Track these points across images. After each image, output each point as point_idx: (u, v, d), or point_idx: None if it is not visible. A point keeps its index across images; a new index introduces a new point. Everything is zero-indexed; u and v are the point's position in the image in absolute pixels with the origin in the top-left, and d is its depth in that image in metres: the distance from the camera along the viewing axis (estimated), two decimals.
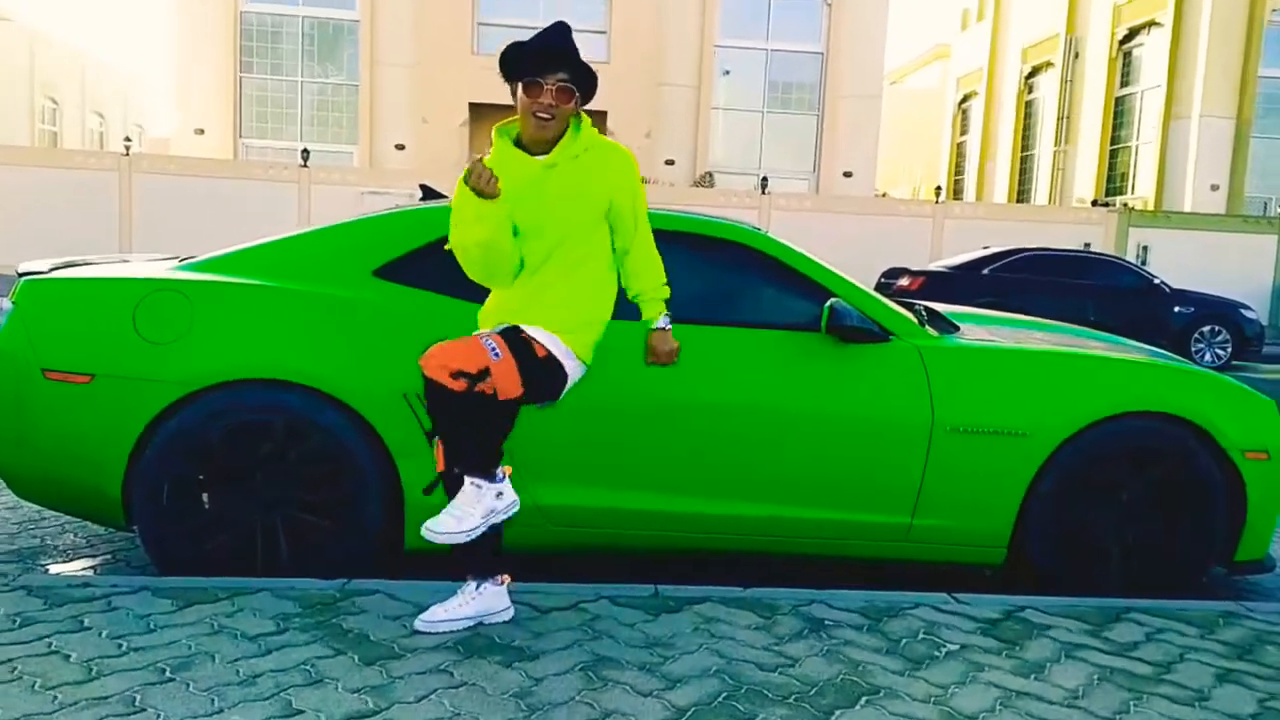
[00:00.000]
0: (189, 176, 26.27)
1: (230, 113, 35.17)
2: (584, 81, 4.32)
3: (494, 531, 4.34)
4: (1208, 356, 19.71)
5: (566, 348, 4.36)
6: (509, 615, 4.43)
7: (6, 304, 5.13)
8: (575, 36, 4.31)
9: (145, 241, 25.57)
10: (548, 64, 4.23)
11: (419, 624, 4.29)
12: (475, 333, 4.41)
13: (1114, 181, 40.74)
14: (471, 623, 4.34)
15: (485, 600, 4.39)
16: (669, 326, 4.79)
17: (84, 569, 5.48)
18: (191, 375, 4.87)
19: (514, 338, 4.27)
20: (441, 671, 3.89)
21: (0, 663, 3.79)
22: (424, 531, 4.21)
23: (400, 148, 34.30)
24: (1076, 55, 42.76)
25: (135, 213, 25.93)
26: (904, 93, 62.31)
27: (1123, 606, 4.98)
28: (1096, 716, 3.79)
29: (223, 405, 4.90)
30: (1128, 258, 25.94)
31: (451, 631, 4.28)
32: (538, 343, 4.29)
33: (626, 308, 4.72)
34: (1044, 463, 5.24)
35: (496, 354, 4.14)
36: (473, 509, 4.21)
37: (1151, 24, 38.51)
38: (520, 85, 4.27)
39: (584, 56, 4.27)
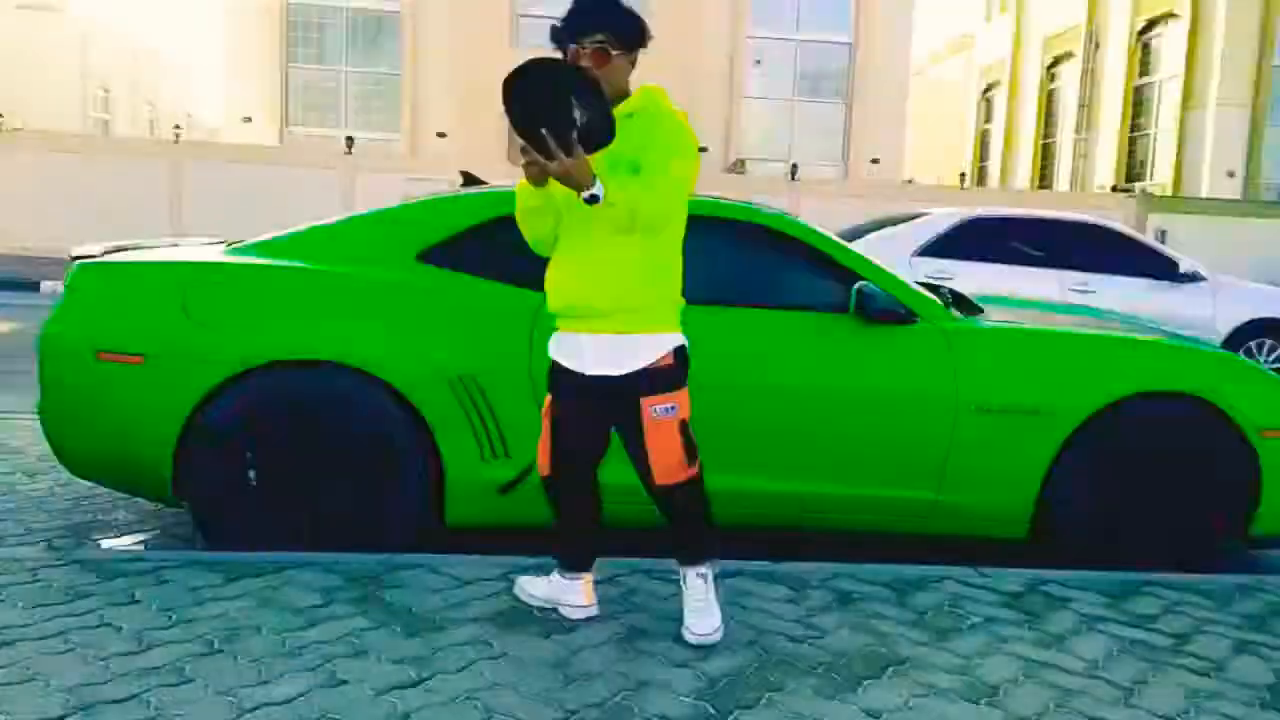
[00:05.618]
0: (237, 163, 26.24)
1: (277, 101, 35.19)
2: (624, 37, 3.89)
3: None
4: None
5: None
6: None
7: (61, 287, 5.15)
8: None
9: (195, 226, 25.55)
10: (582, 28, 3.84)
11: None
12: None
13: (1133, 168, 40.43)
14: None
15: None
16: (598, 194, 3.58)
17: (135, 544, 5.49)
18: (239, 356, 4.87)
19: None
20: (481, 643, 3.89)
21: (54, 634, 3.81)
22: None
23: (441, 135, 34.17)
24: (1097, 46, 42.40)
25: (185, 198, 25.92)
26: (929, 82, 61.95)
27: (1142, 580, 4.96)
28: (1116, 686, 3.78)
29: (268, 385, 4.91)
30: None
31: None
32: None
33: None
34: (1065, 440, 5.21)
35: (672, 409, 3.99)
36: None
37: (1169, 15, 38.18)
38: (564, 54, 3.87)
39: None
